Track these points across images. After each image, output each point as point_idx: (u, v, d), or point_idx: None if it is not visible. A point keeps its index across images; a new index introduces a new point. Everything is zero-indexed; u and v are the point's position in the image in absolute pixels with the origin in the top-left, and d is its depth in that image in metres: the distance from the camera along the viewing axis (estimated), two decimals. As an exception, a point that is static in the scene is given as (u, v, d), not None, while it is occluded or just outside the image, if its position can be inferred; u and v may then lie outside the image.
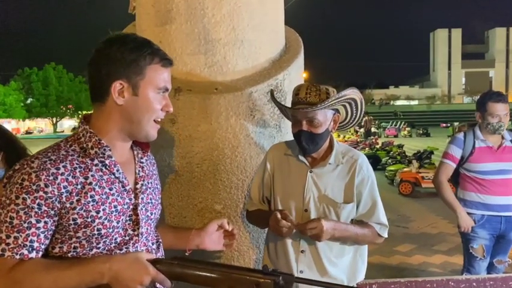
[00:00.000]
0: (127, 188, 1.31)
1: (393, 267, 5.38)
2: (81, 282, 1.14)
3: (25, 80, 57.90)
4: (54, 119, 62.21)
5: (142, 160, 1.41)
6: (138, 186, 1.35)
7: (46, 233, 1.18)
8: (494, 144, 3.26)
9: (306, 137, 1.78)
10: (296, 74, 2.29)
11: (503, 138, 3.27)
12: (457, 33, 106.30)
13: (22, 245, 1.14)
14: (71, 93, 59.47)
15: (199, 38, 2.08)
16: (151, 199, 1.39)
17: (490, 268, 3.38)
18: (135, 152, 1.41)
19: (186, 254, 1.57)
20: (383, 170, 12.88)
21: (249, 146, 2.10)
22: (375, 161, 13.62)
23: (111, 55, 1.25)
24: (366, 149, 17.47)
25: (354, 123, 1.98)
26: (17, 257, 1.14)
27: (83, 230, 1.21)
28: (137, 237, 1.31)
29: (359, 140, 22.09)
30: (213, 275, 1.18)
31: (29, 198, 1.15)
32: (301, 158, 1.86)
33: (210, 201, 2.07)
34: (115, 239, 1.27)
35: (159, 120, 1.33)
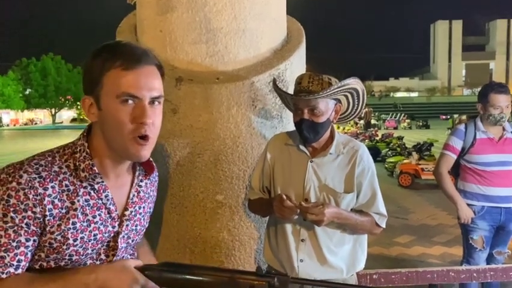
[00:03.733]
0: (113, 215, 1.22)
1: (393, 258, 5.40)
2: None
3: (23, 70, 57.73)
4: (53, 110, 62.12)
5: (140, 183, 1.31)
6: (127, 212, 1.26)
7: (33, 251, 1.12)
8: (495, 136, 3.25)
9: (308, 126, 1.77)
10: (298, 64, 2.27)
11: (504, 129, 3.27)
12: (457, 25, 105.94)
13: (9, 264, 1.07)
14: (69, 83, 59.34)
15: (200, 27, 2.06)
16: (136, 225, 1.30)
17: (490, 259, 3.40)
18: (136, 173, 1.30)
19: None
20: (383, 162, 12.92)
21: (250, 136, 2.09)
22: (375, 153, 13.63)
23: (85, 67, 1.16)
24: (366, 140, 17.49)
25: (355, 114, 1.97)
26: (3, 276, 1.07)
27: (55, 254, 1.14)
28: (109, 263, 1.23)
29: (358, 131, 22.10)
30: (205, 280, 1.14)
31: (17, 217, 1.07)
32: (302, 147, 1.85)
33: (211, 191, 2.07)
34: (85, 262, 1.20)
35: (140, 135, 1.13)
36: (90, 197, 1.18)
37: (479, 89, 3.46)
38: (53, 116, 62.54)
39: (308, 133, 1.79)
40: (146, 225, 1.37)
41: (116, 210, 1.22)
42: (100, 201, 1.19)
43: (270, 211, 1.83)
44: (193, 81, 2.03)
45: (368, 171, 1.83)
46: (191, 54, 2.09)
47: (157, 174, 1.43)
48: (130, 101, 1.12)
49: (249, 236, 2.14)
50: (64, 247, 1.13)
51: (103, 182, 1.19)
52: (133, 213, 1.27)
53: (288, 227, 1.83)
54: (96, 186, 1.18)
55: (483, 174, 3.25)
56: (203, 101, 2.02)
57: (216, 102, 2.02)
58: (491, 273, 2.34)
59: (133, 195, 1.28)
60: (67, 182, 1.15)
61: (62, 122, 64.59)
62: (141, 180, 1.31)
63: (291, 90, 1.95)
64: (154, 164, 1.33)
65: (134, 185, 1.28)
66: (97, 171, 1.16)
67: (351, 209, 1.83)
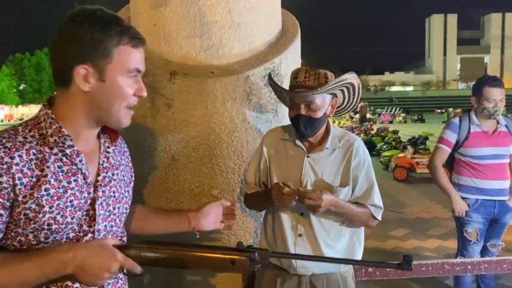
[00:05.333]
0: (88, 180, 1.21)
1: (388, 251, 5.44)
2: (42, 274, 1.06)
3: (17, 65, 57.33)
4: (47, 105, 61.70)
5: (108, 150, 1.31)
6: (100, 178, 1.24)
7: (1, 226, 1.10)
8: (489, 129, 3.27)
9: (304, 121, 1.77)
10: (293, 58, 2.27)
11: (498, 123, 3.28)
12: (452, 19, 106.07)
13: None
14: (64, 78, 58.91)
15: (194, 20, 2.05)
16: (114, 192, 1.28)
17: (484, 252, 3.43)
18: (102, 141, 1.30)
19: (197, 237, 1.55)
20: (378, 156, 12.97)
21: (245, 131, 2.09)
22: (370, 147, 13.67)
23: (78, 36, 1.13)
24: (361, 134, 17.55)
25: (350, 108, 1.97)
26: None
27: (33, 225, 1.11)
28: (92, 234, 1.21)
29: (354, 126, 22.14)
30: (186, 257, 1.13)
31: None
32: (298, 142, 1.85)
33: (206, 185, 2.06)
34: (67, 234, 1.17)
35: (132, 106, 1.23)
36: (62, 163, 1.16)
37: (474, 82, 3.47)
38: (48, 111, 62.12)
39: (305, 128, 1.78)
40: (127, 194, 1.36)
41: (89, 176, 1.22)
42: (75, 167, 1.18)
43: (267, 203, 1.83)
44: (188, 75, 2.02)
45: (364, 164, 1.83)
46: (185, 48, 2.08)
47: (125, 145, 1.45)
48: (135, 77, 1.21)
49: (244, 230, 2.14)
50: (40, 215, 1.11)
51: (73, 146, 1.18)
52: (106, 179, 1.26)
53: (286, 222, 1.83)
54: (68, 151, 1.17)
55: (477, 167, 3.27)
56: (198, 95, 2.01)
57: (210, 96, 2.01)
58: (486, 265, 2.36)
59: (103, 161, 1.27)
60: (34, 151, 1.13)
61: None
62: (108, 147, 1.31)
63: (286, 84, 1.94)
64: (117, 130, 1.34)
65: (102, 151, 1.28)
66: (66, 133, 1.16)
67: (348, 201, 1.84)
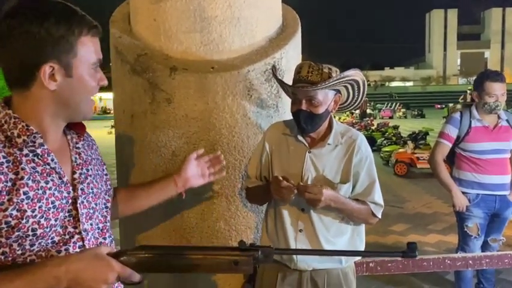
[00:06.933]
0: (64, 179, 1.14)
1: (389, 246, 5.45)
2: None
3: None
4: (47, 102, 61.69)
5: (77, 145, 1.25)
6: (76, 176, 1.18)
7: None
8: (490, 124, 3.26)
9: (305, 117, 1.76)
10: (294, 53, 2.26)
11: (499, 117, 3.28)
12: (452, 14, 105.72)
13: None
14: (64, 75, 58.87)
15: (194, 15, 2.04)
16: (92, 188, 1.23)
17: (484, 247, 3.43)
18: (69, 137, 1.23)
19: (183, 197, 1.61)
20: (378, 151, 12.97)
21: (246, 126, 2.08)
22: (370, 142, 13.57)
23: (32, 33, 1.04)
24: (362, 130, 17.52)
25: (355, 105, 1.96)
26: None
27: (17, 233, 1.04)
28: (79, 235, 1.15)
29: (354, 121, 22.13)
30: (188, 261, 1.07)
31: None
32: (300, 138, 1.85)
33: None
34: (52, 238, 1.11)
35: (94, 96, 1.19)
36: (35, 163, 1.09)
37: (474, 78, 3.46)
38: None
39: (306, 124, 1.78)
40: (105, 187, 1.32)
41: (65, 175, 1.16)
42: (48, 167, 1.12)
43: (267, 197, 1.84)
44: (188, 71, 2.01)
45: (365, 161, 1.83)
46: (185, 43, 2.07)
47: (92, 137, 1.39)
48: (97, 67, 1.17)
49: (245, 225, 2.13)
50: (24, 221, 1.04)
51: (44, 145, 1.11)
52: (82, 176, 1.21)
53: (286, 217, 1.83)
54: (39, 151, 1.10)
55: (478, 162, 3.27)
56: (198, 90, 2.00)
57: (211, 91, 2.00)
58: (487, 260, 2.36)
59: (76, 158, 1.22)
60: (3, 154, 1.05)
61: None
62: (77, 143, 1.25)
63: (286, 79, 1.94)
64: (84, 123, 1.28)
65: (71, 148, 1.23)
66: (34, 130, 1.09)
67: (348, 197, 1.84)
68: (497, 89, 3.16)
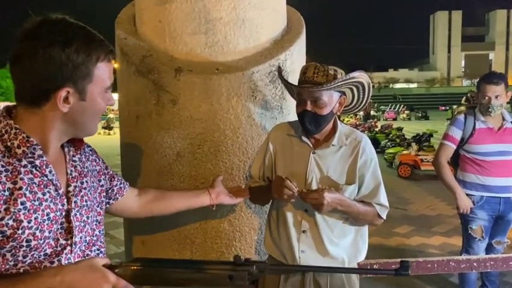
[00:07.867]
0: (60, 191, 1.16)
1: (392, 248, 5.43)
2: None
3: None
4: (52, 103, 61.85)
5: (74, 158, 1.27)
6: (71, 188, 1.20)
7: None
8: (495, 126, 3.25)
9: (310, 118, 1.77)
10: (298, 54, 2.26)
11: (503, 119, 3.26)
12: (457, 16, 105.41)
13: None
14: (68, 76, 59.03)
15: (199, 17, 2.05)
16: (86, 201, 1.24)
17: (489, 249, 3.42)
18: (66, 150, 1.25)
19: (213, 209, 1.82)
20: (382, 153, 12.93)
21: (250, 127, 2.09)
22: (374, 144, 13.58)
23: (54, 58, 1.06)
24: (366, 132, 17.49)
25: (360, 107, 1.96)
26: None
27: (11, 243, 1.04)
28: (70, 247, 1.16)
29: (358, 123, 22.10)
30: (182, 274, 1.07)
31: None
32: (304, 139, 1.85)
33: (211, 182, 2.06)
34: (44, 250, 1.11)
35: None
36: (33, 175, 1.10)
37: (478, 79, 3.45)
38: (52, 108, 62.32)
39: (310, 125, 1.78)
40: (98, 200, 1.33)
41: (61, 187, 1.17)
42: (46, 178, 1.13)
43: (268, 196, 1.85)
44: (193, 72, 2.02)
45: (370, 163, 1.83)
46: (190, 45, 2.08)
47: (90, 148, 1.41)
48: (109, 90, 1.22)
49: (249, 226, 2.14)
50: (19, 231, 1.05)
51: (43, 156, 1.12)
52: (77, 189, 1.22)
53: (290, 218, 1.83)
54: (37, 162, 1.11)
55: (482, 164, 3.25)
56: (203, 91, 2.01)
57: (215, 93, 2.01)
58: (492, 262, 2.35)
59: (71, 171, 1.23)
60: (2, 164, 1.06)
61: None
62: (73, 156, 1.27)
63: (290, 81, 1.94)
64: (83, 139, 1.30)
65: (68, 160, 1.24)
66: (34, 142, 1.10)
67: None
68: (489, 91, 3.15)
